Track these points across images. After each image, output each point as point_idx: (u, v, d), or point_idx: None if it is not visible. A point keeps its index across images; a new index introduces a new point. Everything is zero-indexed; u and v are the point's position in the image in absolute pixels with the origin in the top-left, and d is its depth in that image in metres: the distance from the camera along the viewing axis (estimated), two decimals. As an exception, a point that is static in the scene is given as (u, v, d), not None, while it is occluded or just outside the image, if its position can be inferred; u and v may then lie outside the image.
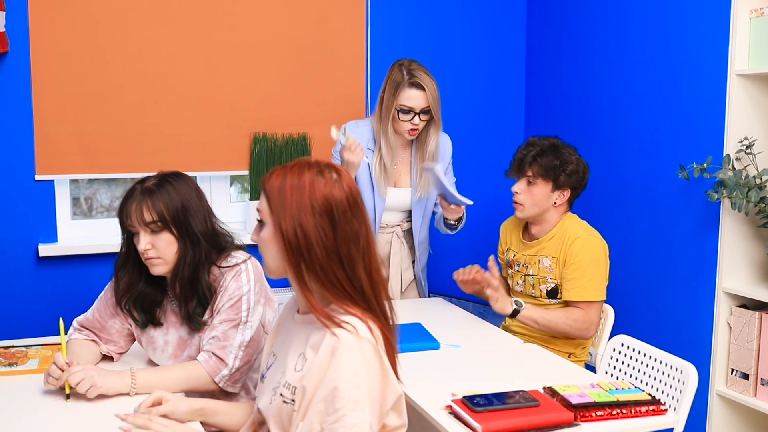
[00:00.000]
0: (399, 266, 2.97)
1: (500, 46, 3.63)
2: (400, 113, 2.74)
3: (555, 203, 2.68)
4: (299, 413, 1.50)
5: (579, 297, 2.60)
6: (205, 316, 2.01)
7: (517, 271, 2.78)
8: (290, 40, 3.23)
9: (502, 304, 2.59)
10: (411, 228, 2.99)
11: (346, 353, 1.46)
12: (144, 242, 1.93)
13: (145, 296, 2.05)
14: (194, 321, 2.01)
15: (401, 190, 2.92)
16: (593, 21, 3.28)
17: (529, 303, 2.63)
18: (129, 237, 2.01)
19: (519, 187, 2.69)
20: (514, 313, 2.60)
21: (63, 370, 1.84)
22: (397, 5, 3.40)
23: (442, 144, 2.91)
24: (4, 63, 2.84)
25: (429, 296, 3.14)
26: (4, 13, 2.76)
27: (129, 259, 2.03)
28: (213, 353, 1.95)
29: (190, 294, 2.00)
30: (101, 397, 1.85)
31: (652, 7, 2.95)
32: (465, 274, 2.69)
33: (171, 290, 2.05)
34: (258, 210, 1.58)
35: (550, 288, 2.68)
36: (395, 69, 2.78)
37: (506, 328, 2.81)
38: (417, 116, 2.74)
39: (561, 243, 2.66)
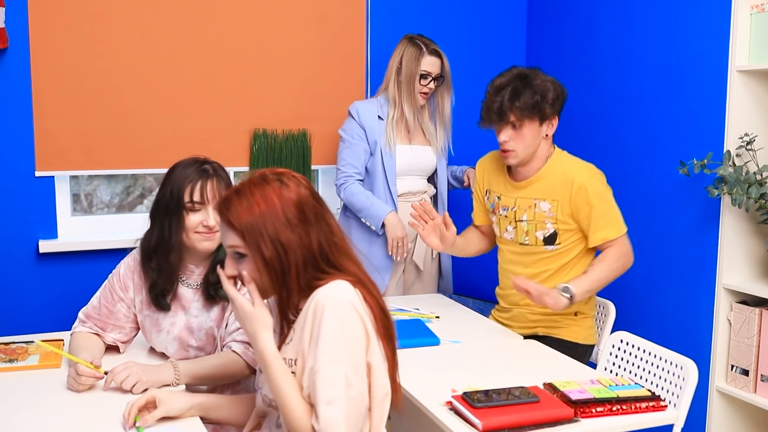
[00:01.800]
0: None
1: (501, 44, 3.62)
2: (421, 79, 2.98)
3: (546, 135, 2.52)
4: (299, 377, 1.54)
5: (606, 237, 2.47)
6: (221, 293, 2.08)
7: (505, 216, 2.61)
8: (291, 36, 3.23)
9: (555, 300, 2.37)
10: (437, 194, 3.14)
11: (327, 309, 1.50)
12: (213, 218, 2.02)
13: (160, 284, 2.10)
14: (222, 291, 2.05)
15: (418, 147, 3.06)
16: (594, 18, 3.27)
17: (573, 282, 2.42)
18: (176, 217, 2.03)
19: (506, 135, 2.48)
20: (570, 299, 2.41)
21: (96, 367, 1.88)
22: (397, 3, 3.39)
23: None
24: (4, 59, 2.84)
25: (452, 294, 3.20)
26: (4, 9, 2.75)
27: (163, 242, 2.06)
28: (249, 344, 2.01)
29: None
30: (100, 394, 1.86)
31: (653, 4, 2.95)
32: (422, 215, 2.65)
33: (192, 275, 2.11)
34: (231, 246, 1.57)
35: (548, 234, 2.52)
36: (409, 42, 3.00)
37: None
38: (432, 81, 3.00)
39: (561, 186, 2.49)
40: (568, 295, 2.38)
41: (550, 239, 2.52)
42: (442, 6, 3.48)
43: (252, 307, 1.56)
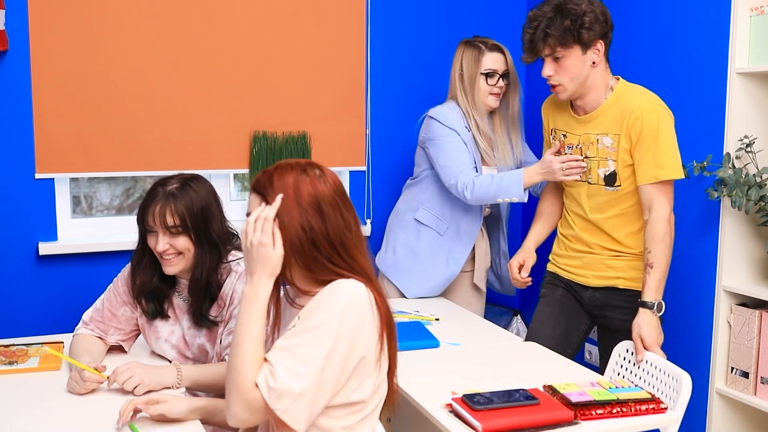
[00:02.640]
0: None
1: (500, 42, 3.62)
2: (487, 78, 2.81)
3: (593, 63, 2.37)
4: None
5: (653, 178, 2.30)
6: (213, 311, 2.07)
7: (570, 155, 2.51)
8: (290, 37, 3.23)
9: (656, 329, 2.33)
10: (491, 215, 3.02)
11: (332, 294, 1.51)
12: (162, 243, 1.99)
13: (157, 290, 2.11)
14: (205, 320, 2.06)
15: (487, 168, 2.91)
16: (593, 19, 3.27)
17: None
18: (144, 235, 2.06)
19: (549, 69, 2.38)
20: (659, 308, 2.34)
21: (100, 372, 1.88)
22: (397, 4, 3.39)
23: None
24: (4, 61, 2.84)
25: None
26: (4, 11, 2.75)
27: (144, 256, 2.09)
28: None
29: (204, 294, 2.05)
30: (98, 395, 1.86)
31: (653, 6, 2.95)
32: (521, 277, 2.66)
33: (185, 288, 2.11)
34: (248, 214, 1.61)
35: (608, 173, 2.41)
36: (466, 46, 2.87)
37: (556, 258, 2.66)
38: (500, 79, 2.82)
39: (621, 118, 2.35)
40: (655, 310, 2.33)
41: (610, 179, 2.41)
42: (442, 6, 3.48)
43: (273, 251, 1.54)
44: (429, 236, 2.92)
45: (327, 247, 1.55)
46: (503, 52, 2.85)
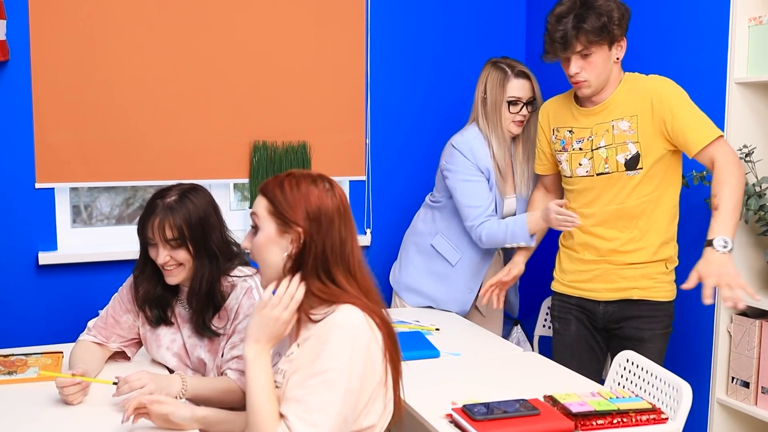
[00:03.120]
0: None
1: (500, 47, 3.62)
2: (511, 106, 2.75)
3: (617, 59, 2.41)
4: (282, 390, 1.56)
5: (707, 138, 2.29)
6: (215, 322, 2.08)
7: (579, 149, 2.47)
8: (290, 47, 3.24)
9: (730, 268, 2.17)
10: None
11: (336, 335, 1.51)
12: (163, 255, 2.01)
13: (161, 298, 2.13)
14: (208, 330, 2.08)
15: (508, 198, 2.87)
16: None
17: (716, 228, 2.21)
18: (145, 246, 2.07)
19: (576, 66, 2.36)
20: (722, 245, 2.19)
21: (74, 375, 1.88)
22: (396, 13, 3.40)
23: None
24: (5, 71, 2.85)
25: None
26: (5, 21, 2.76)
27: (147, 266, 2.11)
28: (242, 372, 2.00)
29: (205, 305, 2.07)
30: (98, 405, 1.86)
31: (651, 15, 2.96)
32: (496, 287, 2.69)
33: (186, 299, 2.12)
34: (253, 214, 1.65)
35: (630, 156, 2.38)
36: (492, 67, 2.80)
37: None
38: (524, 107, 2.76)
39: (639, 100, 2.37)
40: (730, 248, 2.17)
41: (632, 162, 2.39)
42: (442, 17, 3.49)
43: (287, 329, 1.59)
44: (442, 265, 2.91)
45: (312, 259, 1.58)
46: (530, 79, 2.78)
